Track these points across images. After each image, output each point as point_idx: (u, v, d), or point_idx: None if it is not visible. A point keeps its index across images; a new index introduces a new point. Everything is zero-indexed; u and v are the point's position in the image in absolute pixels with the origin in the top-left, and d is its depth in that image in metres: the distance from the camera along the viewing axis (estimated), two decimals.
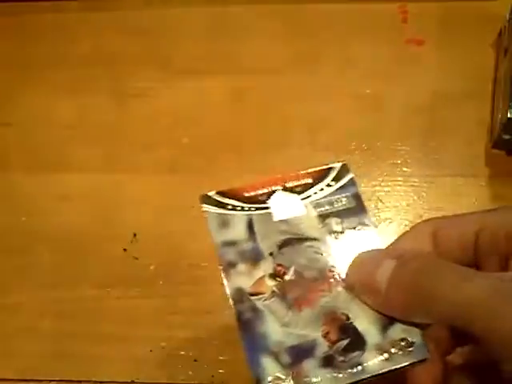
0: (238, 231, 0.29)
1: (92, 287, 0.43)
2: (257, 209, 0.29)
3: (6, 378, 0.41)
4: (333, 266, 0.28)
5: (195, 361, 0.40)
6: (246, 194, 0.30)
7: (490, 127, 0.45)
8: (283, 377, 0.25)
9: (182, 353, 0.41)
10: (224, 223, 0.29)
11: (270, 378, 0.25)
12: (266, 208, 0.29)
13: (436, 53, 0.49)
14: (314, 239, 0.29)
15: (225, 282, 0.27)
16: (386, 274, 0.25)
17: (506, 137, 0.42)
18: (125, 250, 0.44)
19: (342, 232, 0.29)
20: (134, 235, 0.44)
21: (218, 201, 0.29)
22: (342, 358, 0.25)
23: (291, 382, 0.25)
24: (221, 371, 0.40)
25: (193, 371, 0.40)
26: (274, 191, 0.30)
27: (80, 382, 0.41)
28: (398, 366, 0.25)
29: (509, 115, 0.41)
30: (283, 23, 0.52)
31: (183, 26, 0.52)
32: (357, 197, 0.30)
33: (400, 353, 0.25)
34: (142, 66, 0.51)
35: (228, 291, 0.27)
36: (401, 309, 0.25)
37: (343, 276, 0.27)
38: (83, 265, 0.44)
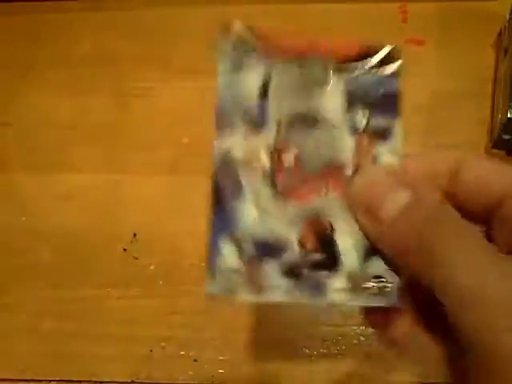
0: (249, 82, 0.24)
1: (92, 287, 0.43)
2: (282, 62, 0.24)
3: (5, 378, 0.41)
4: (340, 166, 0.24)
5: (195, 361, 0.41)
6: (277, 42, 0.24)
7: (490, 127, 0.45)
8: (238, 270, 0.22)
9: (182, 353, 0.41)
10: (236, 68, 0.24)
11: (224, 267, 0.22)
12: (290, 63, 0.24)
13: (436, 53, 0.49)
14: (333, 126, 0.24)
15: (214, 142, 0.23)
16: (399, 204, 0.22)
17: (506, 137, 0.42)
18: (125, 250, 0.44)
19: (363, 131, 0.25)
20: (134, 235, 0.44)
21: (241, 37, 0.24)
22: (308, 273, 0.22)
23: (245, 277, 0.22)
24: (221, 371, 0.40)
25: (193, 371, 0.40)
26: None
27: (80, 382, 0.41)
28: (364, 304, 0.23)
29: (509, 115, 0.41)
30: (283, 23, 0.52)
31: (183, 26, 0.52)
32: (395, 96, 0.26)
33: (371, 291, 0.22)
34: (142, 66, 0.51)
35: (214, 151, 0.23)
36: (399, 247, 0.22)
37: (347, 182, 0.23)
38: (83, 265, 0.44)
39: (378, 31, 0.50)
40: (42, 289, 0.44)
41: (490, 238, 0.23)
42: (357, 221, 0.23)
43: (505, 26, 0.46)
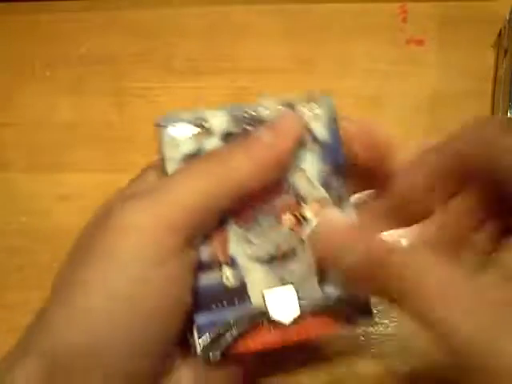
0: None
1: None
2: None
3: None
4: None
5: None
6: None
7: None
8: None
9: None
10: None
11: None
12: None
13: (436, 53, 0.49)
14: None
15: None
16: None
17: None
18: None
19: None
20: None
21: None
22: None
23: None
24: None
25: None
26: None
27: None
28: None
29: (509, 115, 0.41)
30: (283, 23, 0.52)
31: (183, 26, 0.52)
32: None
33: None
34: (142, 66, 0.51)
35: None
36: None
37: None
38: None
39: (378, 31, 0.50)
40: (41, 289, 0.44)
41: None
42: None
43: (505, 27, 0.46)
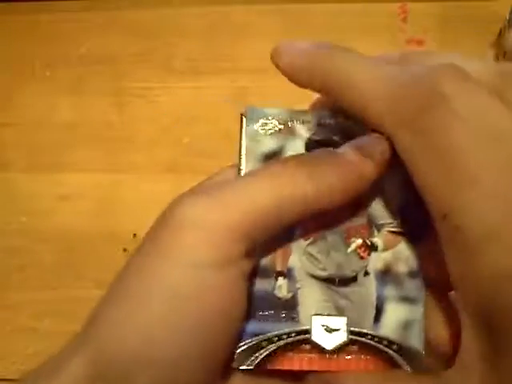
0: None
1: (92, 287, 0.43)
2: None
3: (6, 378, 0.41)
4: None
5: None
6: None
7: None
8: None
9: None
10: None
11: None
12: None
13: None
14: None
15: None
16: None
17: None
18: (125, 250, 0.44)
19: None
20: (134, 235, 0.44)
21: None
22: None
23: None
24: None
25: None
26: None
27: None
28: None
29: None
30: (283, 23, 0.52)
31: (183, 26, 0.52)
32: None
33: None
34: (142, 66, 0.51)
35: None
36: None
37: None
38: (83, 265, 0.44)
39: (378, 31, 0.50)
40: (41, 289, 0.44)
41: None
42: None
43: (505, 27, 0.46)
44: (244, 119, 0.25)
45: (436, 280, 0.23)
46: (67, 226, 0.46)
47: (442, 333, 0.23)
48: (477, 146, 0.18)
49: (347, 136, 0.25)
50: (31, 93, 0.51)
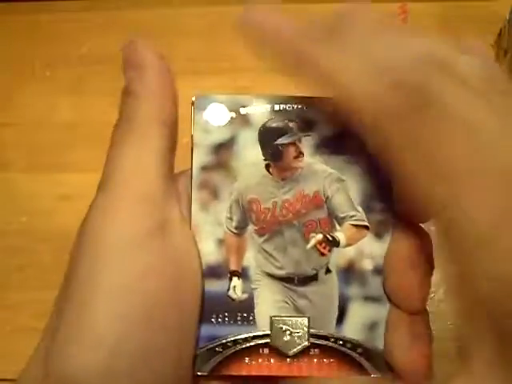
0: None
1: None
2: None
3: (5, 378, 0.41)
4: None
5: None
6: None
7: None
8: None
9: None
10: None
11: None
12: None
13: None
14: None
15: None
16: None
17: None
18: None
19: None
20: None
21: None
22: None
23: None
24: None
25: None
26: None
27: None
28: None
29: None
30: None
31: (183, 26, 0.52)
32: None
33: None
34: None
35: None
36: None
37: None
38: None
39: None
40: (42, 289, 0.44)
41: None
42: None
43: (505, 26, 0.46)
44: (192, 109, 0.24)
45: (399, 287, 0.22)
46: (67, 226, 0.45)
47: (408, 354, 0.22)
48: (465, 148, 0.18)
49: (304, 122, 0.23)
50: (31, 93, 0.51)
